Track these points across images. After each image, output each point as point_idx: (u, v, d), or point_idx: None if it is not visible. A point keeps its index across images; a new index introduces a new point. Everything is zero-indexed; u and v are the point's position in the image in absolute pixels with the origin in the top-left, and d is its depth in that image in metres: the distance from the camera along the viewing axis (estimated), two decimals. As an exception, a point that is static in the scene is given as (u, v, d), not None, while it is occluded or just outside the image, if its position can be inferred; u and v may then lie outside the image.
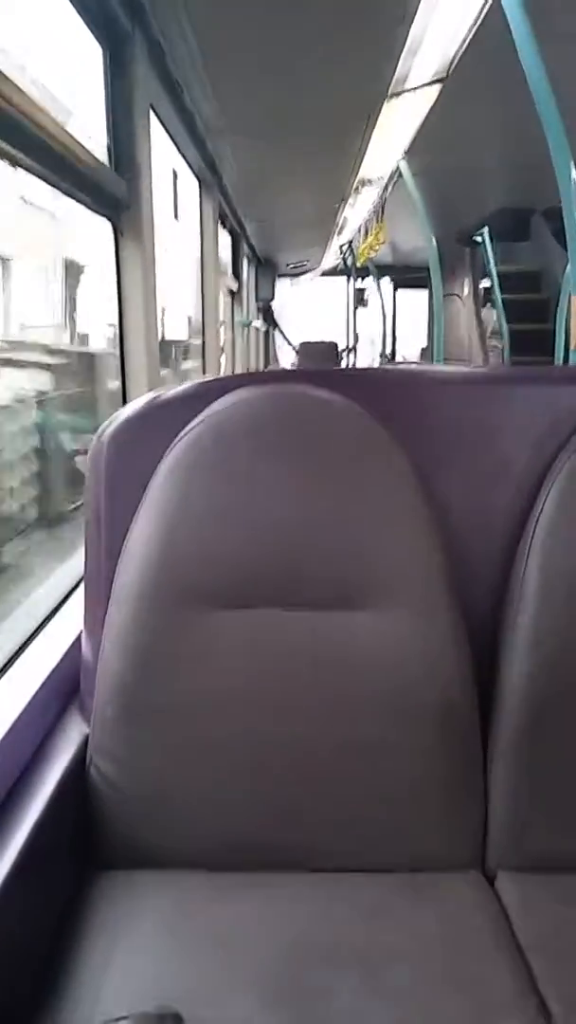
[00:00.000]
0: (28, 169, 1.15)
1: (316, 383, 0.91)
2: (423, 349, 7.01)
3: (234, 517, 0.87)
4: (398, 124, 2.90)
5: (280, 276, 7.14)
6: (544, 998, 0.71)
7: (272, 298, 6.71)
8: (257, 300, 6.22)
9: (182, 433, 0.87)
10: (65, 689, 0.98)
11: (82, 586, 0.98)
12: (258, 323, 6.40)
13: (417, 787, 0.87)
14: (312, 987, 0.71)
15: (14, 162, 1.10)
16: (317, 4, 1.69)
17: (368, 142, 3.02)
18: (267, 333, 7.30)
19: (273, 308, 7.00)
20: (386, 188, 4.05)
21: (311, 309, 9.30)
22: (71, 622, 1.09)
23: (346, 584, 0.87)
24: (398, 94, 2.66)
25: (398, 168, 3.57)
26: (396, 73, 2.34)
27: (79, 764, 0.88)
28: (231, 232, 4.58)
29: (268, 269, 6.50)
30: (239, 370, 4.83)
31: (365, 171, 3.61)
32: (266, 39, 1.90)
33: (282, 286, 7.42)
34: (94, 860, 0.87)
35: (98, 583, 0.92)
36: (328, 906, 0.82)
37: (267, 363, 7.19)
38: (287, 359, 7.48)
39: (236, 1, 1.65)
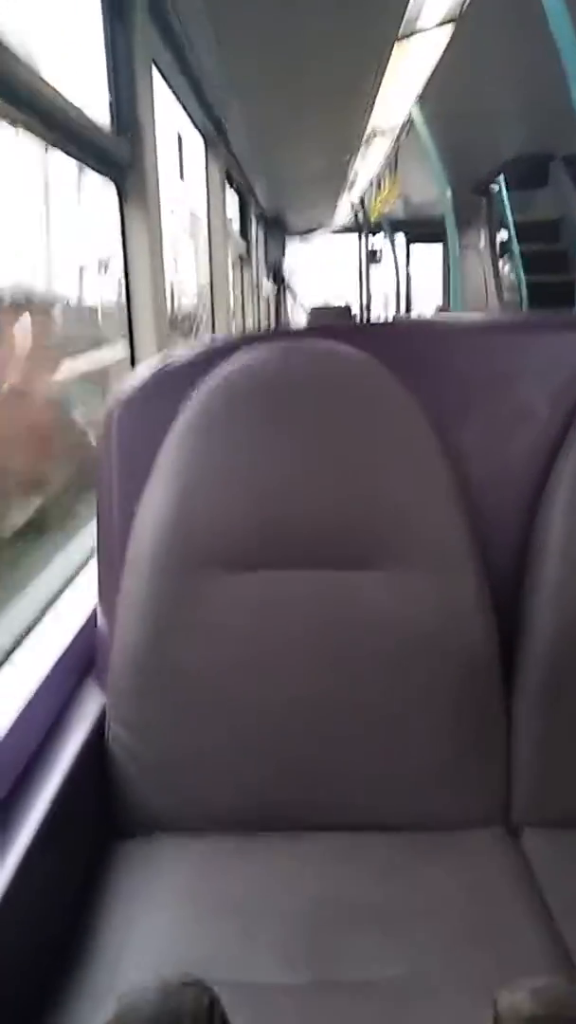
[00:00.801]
0: (28, 129, 1.12)
1: (329, 337, 0.89)
2: (439, 307, 6.87)
3: (247, 478, 0.86)
4: (410, 69, 2.79)
5: (290, 235, 7.00)
6: (570, 952, 0.71)
7: (283, 259, 6.58)
8: (267, 261, 6.11)
9: (193, 395, 0.86)
10: (82, 659, 0.98)
11: (95, 556, 0.97)
12: (269, 286, 6.29)
13: (438, 743, 0.87)
14: (334, 948, 0.71)
15: (14, 123, 1.07)
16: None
17: (378, 89, 2.91)
18: (278, 295, 7.19)
19: (284, 269, 6.87)
20: (398, 138, 3.93)
21: (323, 268, 9.13)
22: (86, 593, 1.09)
23: (364, 543, 0.86)
24: (409, 36, 2.55)
25: (410, 116, 3.45)
26: (406, 14, 2.24)
27: (97, 734, 0.88)
28: (238, 192, 4.48)
29: (278, 229, 6.37)
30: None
31: (376, 121, 3.49)
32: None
33: (293, 246, 7.28)
34: (113, 828, 0.88)
35: (111, 552, 0.91)
36: (349, 865, 0.82)
37: (278, 327, 7.09)
38: (299, 322, 7.37)
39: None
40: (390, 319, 8.07)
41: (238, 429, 0.86)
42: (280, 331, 1.02)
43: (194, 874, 0.82)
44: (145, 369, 0.92)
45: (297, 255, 7.83)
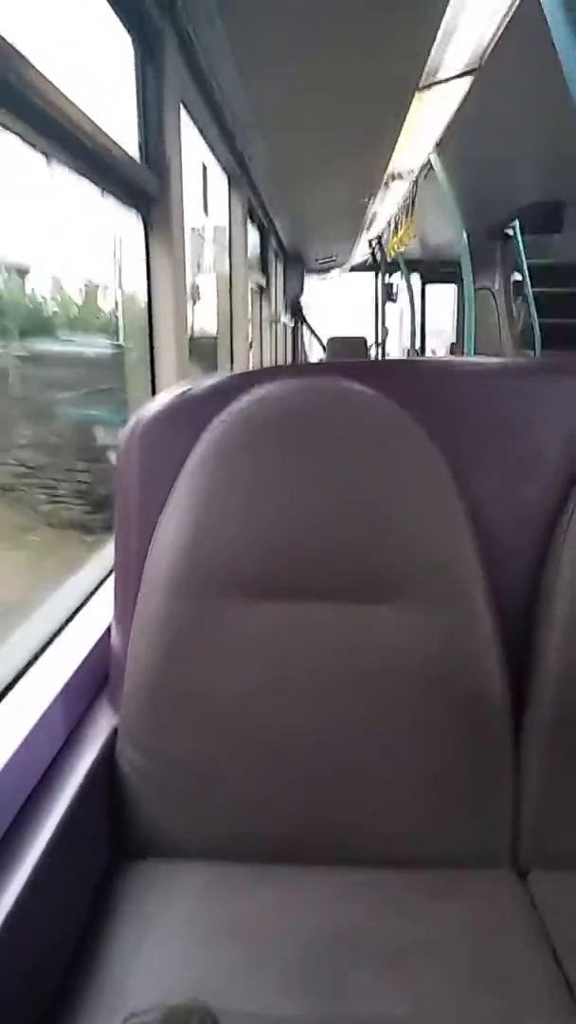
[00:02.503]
0: (61, 162, 1.16)
1: (346, 375, 0.90)
2: (452, 344, 6.94)
3: (264, 509, 0.87)
4: (430, 116, 2.87)
5: (308, 271, 7.12)
6: (575, 995, 0.70)
7: (301, 294, 6.69)
8: (285, 296, 6.21)
9: (212, 425, 0.87)
10: (95, 678, 0.99)
11: (112, 576, 0.99)
12: (286, 319, 6.38)
13: (447, 782, 0.87)
14: (339, 981, 0.71)
15: (50, 156, 1.11)
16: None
17: (399, 135, 2.99)
18: (295, 329, 7.28)
19: (301, 304, 6.98)
20: (416, 182, 4.01)
21: (339, 305, 9.25)
22: (101, 611, 1.10)
23: (377, 576, 0.86)
24: (430, 86, 2.63)
25: (429, 161, 3.53)
26: (428, 64, 2.31)
27: (108, 754, 0.88)
28: (259, 227, 4.58)
29: (296, 264, 6.48)
30: (267, 366, 4.82)
31: (395, 165, 3.57)
32: (296, 31, 1.89)
33: (310, 282, 7.39)
34: (122, 849, 0.88)
35: (128, 574, 0.93)
36: (355, 900, 0.81)
37: (295, 359, 7.17)
38: (315, 355, 7.45)
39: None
40: (404, 354, 8.15)
41: (255, 461, 0.87)
42: (299, 367, 1.04)
43: (202, 900, 0.81)
44: (167, 395, 0.94)
45: (314, 291, 7.95)
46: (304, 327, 7.29)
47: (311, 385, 0.90)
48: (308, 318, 7.18)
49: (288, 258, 6.28)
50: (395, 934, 0.77)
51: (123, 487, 0.93)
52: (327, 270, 7.80)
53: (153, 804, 0.88)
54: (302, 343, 7.64)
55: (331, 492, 0.87)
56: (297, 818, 0.87)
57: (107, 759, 0.88)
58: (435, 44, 2.11)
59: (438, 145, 3.21)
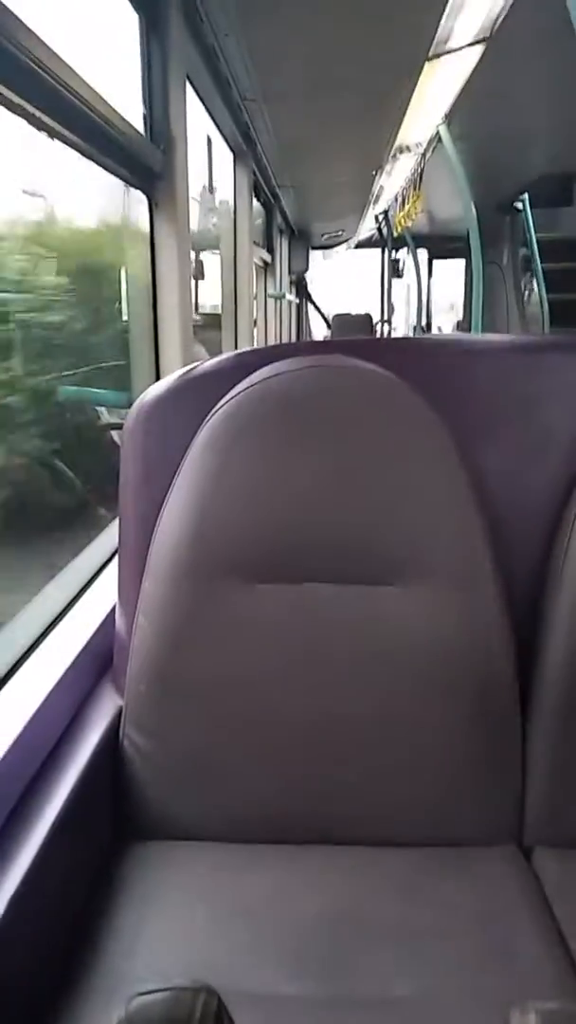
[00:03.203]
0: (65, 140, 1.14)
1: (352, 354, 0.89)
2: (459, 322, 6.86)
3: (270, 490, 0.86)
4: (439, 87, 2.80)
5: (313, 248, 7.02)
6: None
7: (306, 270, 6.60)
8: (290, 272, 6.14)
9: (217, 406, 0.87)
10: (99, 661, 0.99)
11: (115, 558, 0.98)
12: (291, 296, 6.32)
13: (453, 761, 0.87)
14: (342, 961, 0.72)
15: (52, 133, 1.09)
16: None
17: (407, 107, 2.93)
18: (300, 306, 7.21)
19: (306, 280, 6.89)
20: (424, 155, 3.94)
21: (344, 281, 9.15)
22: (105, 593, 1.10)
23: (384, 558, 0.86)
24: (439, 55, 2.56)
25: (437, 134, 3.46)
26: (437, 34, 2.25)
27: (112, 736, 0.89)
28: (264, 203, 4.51)
29: (301, 241, 6.40)
30: (271, 343, 4.78)
31: (403, 137, 3.50)
32: (303, 2, 1.85)
33: (315, 258, 7.30)
34: (125, 831, 0.88)
35: (132, 556, 0.92)
36: (360, 880, 0.82)
37: (300, 336, 7.11)
38: (320, 332, 7.38)
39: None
40: (411, 332, 8.06)
41: (261, 441, 0.86)
42: (304, 345, 1.03)
43: (204, 880, 0.82)
44: (171, 377, 0.93)
45: (319, 268, 7.86)
46: (308, 304, 7.21)
47: (318, 365, 0.89)
48: (312, 295, 7.10)
49: (293, 234, 6.20)
50: (400, 913, 0.77)
51: (126, 469, 0.93)
52: (332, 246, 7.70)
53: (156, 786, 0.89)
54: (307, 320, 7.57)
55: (338, 472, 0.86)
56: (301, 798, 0.88)
57: (111, 741, 0.88)
58: (445, 13, 2.05)
59: (447, 117, 3.14)
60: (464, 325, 6.34)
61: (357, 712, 0.87)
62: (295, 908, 0.78)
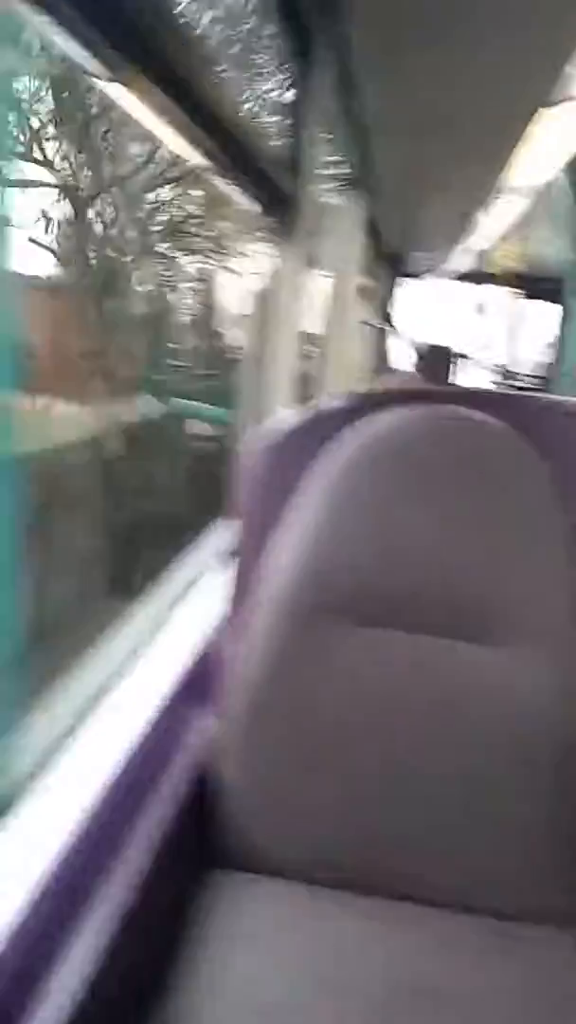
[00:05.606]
0: (214, 161, 1.19)
1: (473, 404, 0.90)
2: (549, 364, 6.76)
3: (378, 535, 0.87)
4: (555, 133, 2.81)
5: (401, 275, 7.04)
6: None
7: (392, 297, 6.63)
8: (379, 298, 6.17)
9: (333, 446, 0.89)
10: (196, 687, 1.01)
11: (209, 584, 1.00)
12: (376, 321, 6.35)
13: (530, 833, 0.85)
14: None
15: (208, 156, 1.15)
16: (486, 12, 1.68)
17: (519, 149, 2.95)
18: (381, 332, 7.23)
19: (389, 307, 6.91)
20: (533, 197, 3.93)
21: (419, 307, 9.11)
22: (198, 620, 1.13)
23: (486, 613, 0.86)
24: (559, 102, 2.58)
25: (547, 178, 3.46)
26: (559, 81, 2.27)
27: (204, 764, 0.90)
28: (368, 231, 4.57)
29: (392, 268, 6.44)
30: (358, 368, 4.81)
31: (511, 178, 3.52)
32: (434, 52, 1.90)
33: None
34: (210, 861, 0.89)
35: (243, 588, 0.94)
36: (433, 946, 0.81)
37: (382, 363, 7.13)
38: (398, 360, 7.38)
39: (411, 5, 1.65)
40: (491, 369, 7.94)
41: (374, 486, 0.88)
42: (420, 391, 1.07)
43: (277, 921, 0.83)
44: (289, 412, 0.97)
45: (398, 295, 7.86)
46: (391, 332, 7.22)
47: (434, 412, 0.90)
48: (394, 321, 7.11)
49: (386, 261, 6.25)
50: (458, 984, 0.76)
51: (244, 502, 0.95)
52: (420, 275, 7.71)
53: (241, 817, 0.89)
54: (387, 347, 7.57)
55: (447, 523, 0.86)
56: (384, 851, 0.87)
57: (203, 768, 0.89)
58: (568, 62, 2.07)
59: (569, 164, 3.14)
60: (554, 368, 6.23)
61: (442, 769, 0.85)
62: (359, 964, 0.77)
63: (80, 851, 0.73)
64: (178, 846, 0.82)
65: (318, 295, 3.34)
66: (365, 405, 0.92)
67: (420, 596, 0.87)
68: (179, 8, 0.84)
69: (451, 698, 0.86)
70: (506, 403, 1.01)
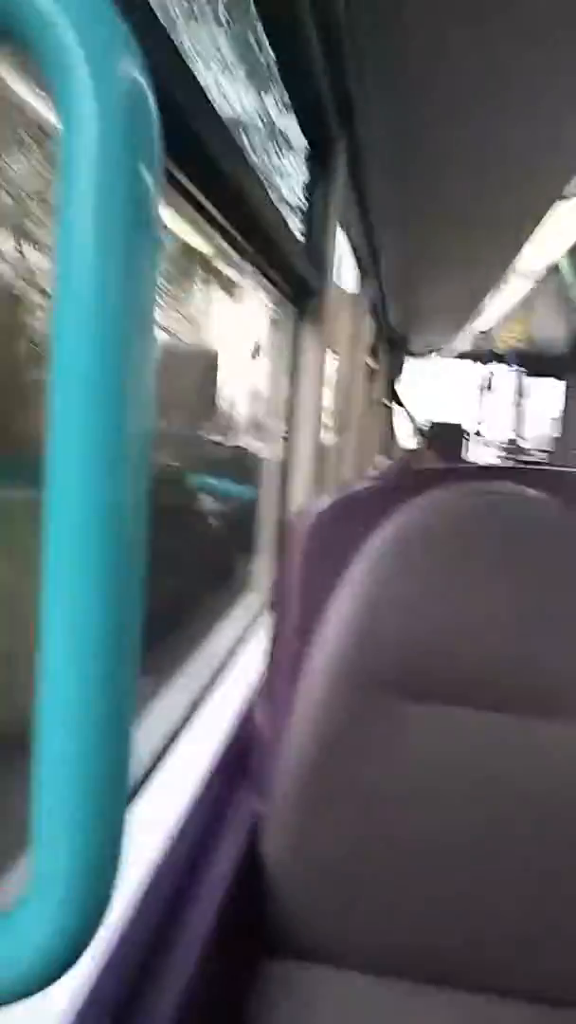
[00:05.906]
0: (238, 250, 1.20)
1: (521, 481, 0.90)
2: (556, 438, 6.83)
3: (431, 613, 0.86)
4: (565, 220, 2.89)
5: (408, 355, 7.22)
6: None
7: (399, 377, 6.77)
8: (385, 378, 6.30)
9: (386, 524, 0.88)
10: (237, 764, 0.98)
11: (244, 657, 0.98)
12: (384, 400, 6.46)
13: None
14: None
15: (235, 246, 1.15)
16: (504, 111, 1.74)
17: (530, 239, 3.03)
18: (388, 410, 7.35)
19: (396, 387, 7.05)
20: (536, 280, 4.04)
21: (423, 383, 9.30)
22: (236, 694, 1.10)
23: (542, 693, 0.84)
24: (568, 197, 2.66)
25: (551, 261, 3.56)
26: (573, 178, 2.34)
27: (251, 846, 0.86)
28: (375, 314, 4.69)
29: (398, 348, 6.59)
30: (368, 448, 4.85)
31: (519, 265, 3.61)
32: (449, 140, 1.96)
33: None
34: (262, 947, 0.86)
35: (282, 661, 0.92)
36: None
37: (391, 440, 7.22)
38: (404, 438, 7.47)
39: (426, 106, 1.71)
40: (500, 444, 8.04)
41: (425, 564, 0.87)
42: (466, 470, 1.07)
43: (335, 1012, 0.80)
44: (337, 489, 0.97)
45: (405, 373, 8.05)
46: (400, 410, 7.34)
47: (486, 490, 0.91)
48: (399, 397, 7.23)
49: (391, 342, 6.40)
50: None
51: (286, 574, 0.95)
52: (425, 355, 7.90)
53: (293, 901, 0.86)
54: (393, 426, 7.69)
55: (499, 601, 0.86)
56: (441, 938, 0.84)
57: (250, 851, 0.86)
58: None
59: (571, 251, 3.22)
60: (562, 443, 6.29)
61: (504, 852, 0.82)
62: None
63: (131, 941, 0.67)
64: (231, 935, 0.79)
65: (331, 375, 3.39)
66: (410, 485, 0.92)
67: (473, 673, 0.85)
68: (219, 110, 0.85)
69: (512, 778, 0.83)
70: (545, 477, 1.01)
